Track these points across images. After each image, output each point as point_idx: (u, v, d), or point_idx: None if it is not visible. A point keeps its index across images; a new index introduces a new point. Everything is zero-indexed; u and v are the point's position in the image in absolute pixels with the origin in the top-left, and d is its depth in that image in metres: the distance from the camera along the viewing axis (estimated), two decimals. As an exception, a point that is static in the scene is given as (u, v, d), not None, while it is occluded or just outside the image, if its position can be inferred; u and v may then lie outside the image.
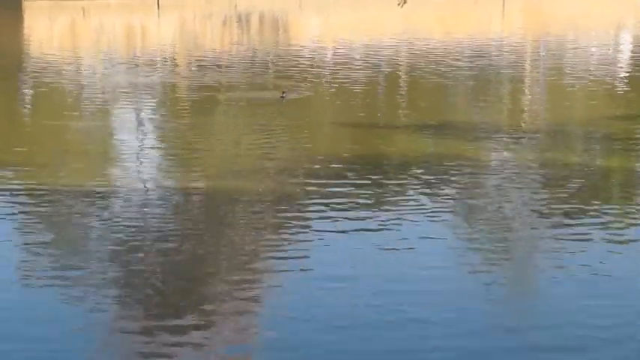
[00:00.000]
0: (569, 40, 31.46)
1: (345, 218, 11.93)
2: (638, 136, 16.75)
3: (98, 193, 13.02)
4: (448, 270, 10.23)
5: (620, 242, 11.14)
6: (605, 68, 25.17)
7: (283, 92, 19.83)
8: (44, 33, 33.87)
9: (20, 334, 8.69)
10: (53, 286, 9.80)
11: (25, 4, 37.70)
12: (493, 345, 8.52)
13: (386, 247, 10.93)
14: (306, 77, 23.13)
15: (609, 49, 29.57)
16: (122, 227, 11.59)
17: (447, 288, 9.71)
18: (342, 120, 18.14)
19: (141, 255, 10.67)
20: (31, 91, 22.04)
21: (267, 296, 9.65)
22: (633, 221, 11.90)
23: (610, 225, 11.71)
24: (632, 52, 29.29)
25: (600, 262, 10.40)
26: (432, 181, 13.64)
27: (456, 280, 9.95)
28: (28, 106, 20.50)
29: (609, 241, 11.13)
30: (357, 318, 8.98)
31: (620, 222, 11.86)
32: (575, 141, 16.59)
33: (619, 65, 26.32)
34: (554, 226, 11.63)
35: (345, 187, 13.33)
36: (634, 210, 12.43)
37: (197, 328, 8.91)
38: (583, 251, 10.79)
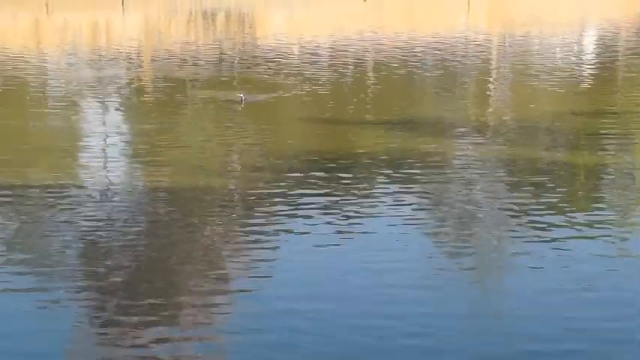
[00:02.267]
0: (534, 36, 31.64)
1: (312, 215, 11.92)
2: (602, 131, 16.87)
3: (62, 190, 12.93)
4: (415, 268, 10.24)
5: (586, 237, 11.21)
6: (569, 64, 25.33)
7: (242, 98, 19.27)
8: (7, 29, 33.56)
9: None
10: (18, 283, 9.73)
11: (-12, 0, 37.37)
12: (465, 345, 8.55)
13: (351, 245, 10.94)
14: (272, 74, 23.08)
15: (574, 46, 29.76)
16: (87, 225, 11.51)
17: (415, 284, 9.73)
18: (308, 117, 18.12)
19: (106, 253, 10.61)
20: (-5, 88, 21.84)
21: (235, 295, 9.62)
22: (597, 217, 11.98)
23: (575, 220, 11.78)
24: (596, 48, 29.50)
25: (563, 258, 10.48)
26: (399, 177, 13.66)
27: (426, 278, 9.96)
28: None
29: (575, 237, 11.20)
30: (322, 320, 8.98)
31: (586, 217, 11.93)
32: (540, 136, 16.67)
33: (583, 61, 26.49)
34: (521, 223, 11.68)
35: (313, 184, 13.32)
36: (598, 204, 12.51)
37: (166, 324, 8.87)
38: (549, 247, 10.86)
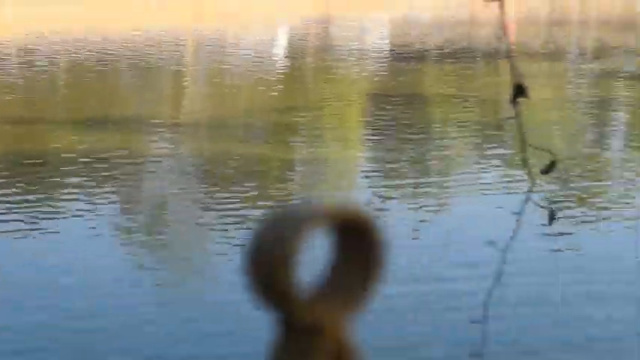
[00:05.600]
0: (229, 36, 32.14)
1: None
2: (296, 126, 17.47)
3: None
4: (110, 266, 10.19)
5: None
6: (261, 63, 25.93)
7: None
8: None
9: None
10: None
11: None
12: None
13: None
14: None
15: (266, 45, 30.51)
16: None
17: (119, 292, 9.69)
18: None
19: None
20: None
21: None
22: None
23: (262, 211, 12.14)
24: (288, 48, 30.40)
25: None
26: (93, 176, 13.50)
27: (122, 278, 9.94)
28: None
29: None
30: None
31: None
32: (234, 132, 17.01)
33: (274, 60, 27.23)
34: (216, 218, 11.88)
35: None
36: (285, 195, 12.97)
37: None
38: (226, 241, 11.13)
